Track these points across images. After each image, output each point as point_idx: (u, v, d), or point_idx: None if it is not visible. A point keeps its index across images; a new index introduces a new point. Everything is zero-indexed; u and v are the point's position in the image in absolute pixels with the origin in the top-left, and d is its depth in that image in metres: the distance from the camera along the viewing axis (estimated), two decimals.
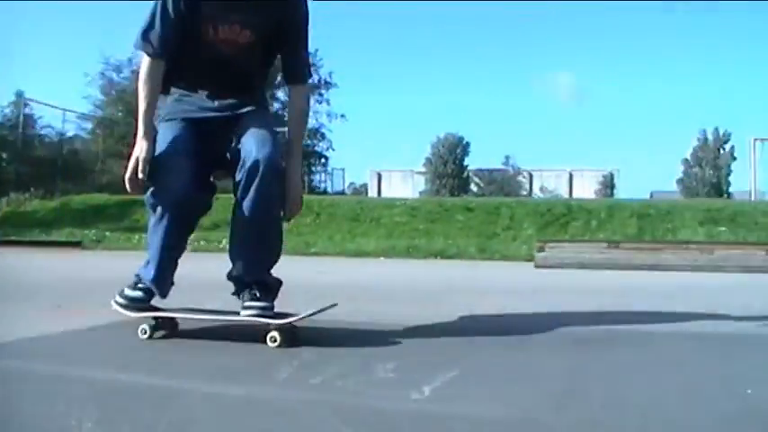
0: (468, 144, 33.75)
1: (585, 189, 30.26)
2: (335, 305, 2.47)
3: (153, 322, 2.37)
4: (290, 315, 2.32)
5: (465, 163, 33.79)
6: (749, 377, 1.95)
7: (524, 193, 30.98)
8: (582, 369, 2.08)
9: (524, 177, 33.04)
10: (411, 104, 68.82)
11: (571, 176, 31.60)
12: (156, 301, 2.46)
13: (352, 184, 37.61)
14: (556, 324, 2.76)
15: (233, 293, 2.46)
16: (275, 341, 2.24)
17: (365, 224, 11.60)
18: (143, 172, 2.23)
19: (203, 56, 2.38)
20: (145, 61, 2.34)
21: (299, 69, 2.54)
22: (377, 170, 34.72)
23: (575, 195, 28.06)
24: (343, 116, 36.11)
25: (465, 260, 8.25)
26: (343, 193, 30.71)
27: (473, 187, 33.03)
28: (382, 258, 8.48)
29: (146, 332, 2.35)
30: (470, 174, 33.75)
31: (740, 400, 1.71)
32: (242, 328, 2.41)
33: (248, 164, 2.27)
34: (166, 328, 2.42)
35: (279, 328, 2.26)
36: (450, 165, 32.87)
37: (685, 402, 1.73)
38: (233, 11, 2.33)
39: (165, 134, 2.32)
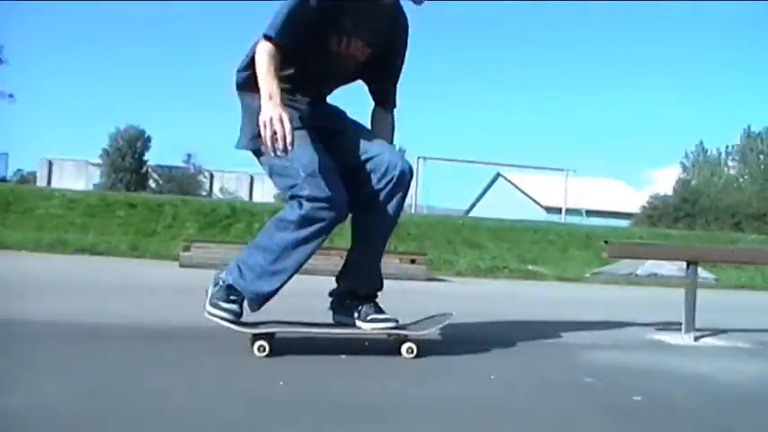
0: (149, 138, 32.28)
1: (266, 193, 31.18)
2: (451, 315, 2.55)
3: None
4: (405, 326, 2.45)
5: (145, 158, 32.23)
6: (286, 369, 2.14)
7: (204, 193, 30.74)
8: (124, 365, 2.10)
9: (205, 177, 32.80)
10: (90, 91, 63.74)
11: (252, 179, 32.25)
12: None
13: (19, 170, 34.29)
14: (139, 320, 2.75)
15: (332, 307, 2.47)
16: (412, 352, 2.36)
17: (16, 215, 10.63)
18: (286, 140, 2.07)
19: (320, 63, 2.34)
20: (267, 46, 2.16)
21: (392, 95, 2.59)
22: (48, 158, 31.42)
23: (255, 199, 28.72)
24: (11, 96, 32.01)
25: (115, 257, 7.89)
26: (5, 180, 27.59)
27: (152, 183, 31.67)
28: (23, 252, 7.70)
29: (264, 350, 2.22)
30: (150, 169, 32.31)
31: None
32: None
33: (395, 172, 2.33)
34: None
35: (414, 339, 2.38)
36: (128, 158, 31.07)
37: (189, 399, 1.81)
38: (365, 27, 2.33)
39: (305, 145, 2.22)
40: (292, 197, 2.22)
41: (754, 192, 39.48)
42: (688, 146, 57.23)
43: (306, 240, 2.23)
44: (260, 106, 2.10)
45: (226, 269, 2.31)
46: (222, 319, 2.23)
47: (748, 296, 8.39)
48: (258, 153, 2.32)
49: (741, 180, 49.85)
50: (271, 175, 2.36)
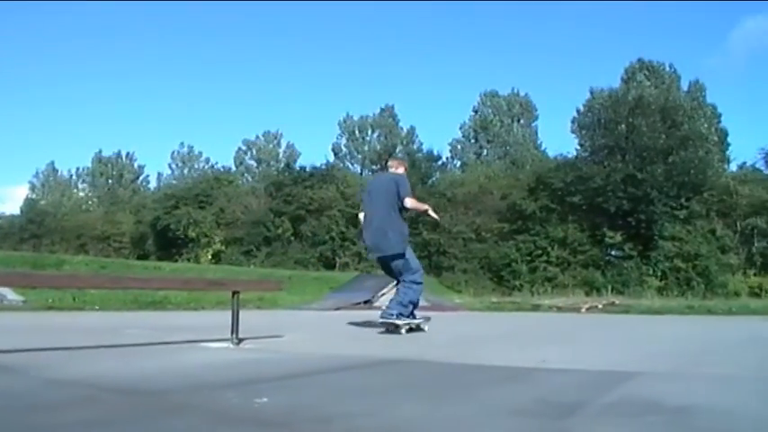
0: None
1: None
2: None
3: None
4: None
5: None
6: None
7: None
8: None
9: None
10: None
11: None
12: None
13: None
14: None
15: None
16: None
17: None
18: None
19: None
20: (411, 201, 7.21)
21: None
22: None
23: None
24: None
25: None
26: None
27: None
28: None
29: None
30: None
31: None
32: None
33: None
34: None
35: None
36: None
37: None
38: None
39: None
40: (413, 281, 7.15)
41: (101, 214, 42.43)
42: (39, 165, 57.83)
43: (417, 291, 7.23)
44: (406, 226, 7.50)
45: (390, 309, 7.04)
46: (406, 324, 7.01)
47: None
48: (401, 256, 7.13)
49: (90, 203, 52.73)
50: (401, 268, 7.15)
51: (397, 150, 46.20)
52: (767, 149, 31.31)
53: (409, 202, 7.08)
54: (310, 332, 7.70)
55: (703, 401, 2.90)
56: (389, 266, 7.29)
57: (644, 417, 2.59)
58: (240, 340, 5.40)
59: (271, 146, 52.62)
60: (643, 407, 2.78)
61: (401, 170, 7.51)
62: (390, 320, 6.93)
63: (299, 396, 3.08)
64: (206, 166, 52.65)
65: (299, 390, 3.29)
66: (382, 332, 6.96)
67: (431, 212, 7.62)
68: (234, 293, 5.60)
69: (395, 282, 7.59)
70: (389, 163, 7.84)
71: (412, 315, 7.10)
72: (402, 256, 7.07)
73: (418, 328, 7.16)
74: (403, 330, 6.92)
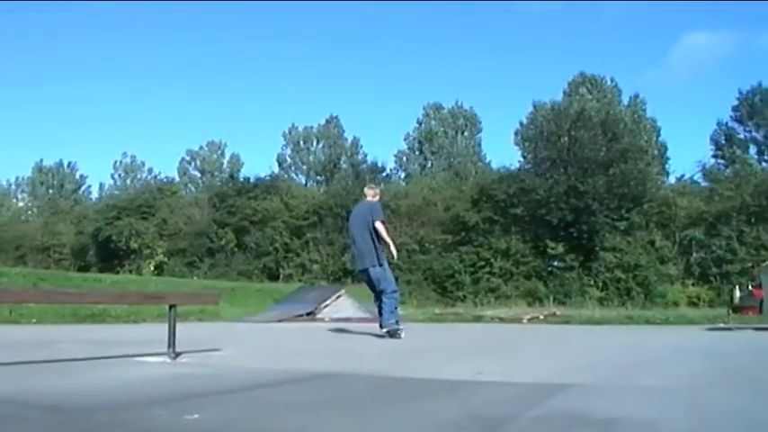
0: None
1: None
2: None
3: None
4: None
5: None
6: None
7: None
8: None
9: None
10: None
11: None
12: None
13: None
14: None
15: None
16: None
17: None
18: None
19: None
20: (382, 226, 8.60)
21: None
22: None
23: None
24: None
25: None
26: None
27: None
28: None
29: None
30: None
31: None
32: None
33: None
34: None
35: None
36: None
37: None
38: None
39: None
40: (393, 291, 8.63)
41: (40, 225, 41.31)
42: None
43: (397, 299, 8.90)
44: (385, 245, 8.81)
45: (388, 318, 8.39)
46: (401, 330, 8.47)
47: None
48: (380, 266, 8.58)
49: (29, 213, 51.42)
50: (380, 277, 8.53)
51: (342, 161, 46.16)
52: (704, 162, 32.62)
53: (378, 225, 8.51)
54: (249, 345, 7.63)
55: (631, 414, 2.95)
56: (370, 277, 8.57)
57: (570, 430, 2.64)
58: (177, 354, 5.33)
59: (215, 156, 51.93)
60: (570, 420, 2.82)
61: (377, 198, 9.05)
62: (393, 327, 8.29)
63: (230, 412, 3.05)
64: (149, 177, 51.76)
65: (231, 405, 3.26)
66: (383, 338, 8.14)
67: (392, 248, 8.92)
68: (171, 307, 5.51)
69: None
70: (366, 191, 9.26)
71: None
72: (380, 266, 8.50)
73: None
74: (402, 335, 8.37)
